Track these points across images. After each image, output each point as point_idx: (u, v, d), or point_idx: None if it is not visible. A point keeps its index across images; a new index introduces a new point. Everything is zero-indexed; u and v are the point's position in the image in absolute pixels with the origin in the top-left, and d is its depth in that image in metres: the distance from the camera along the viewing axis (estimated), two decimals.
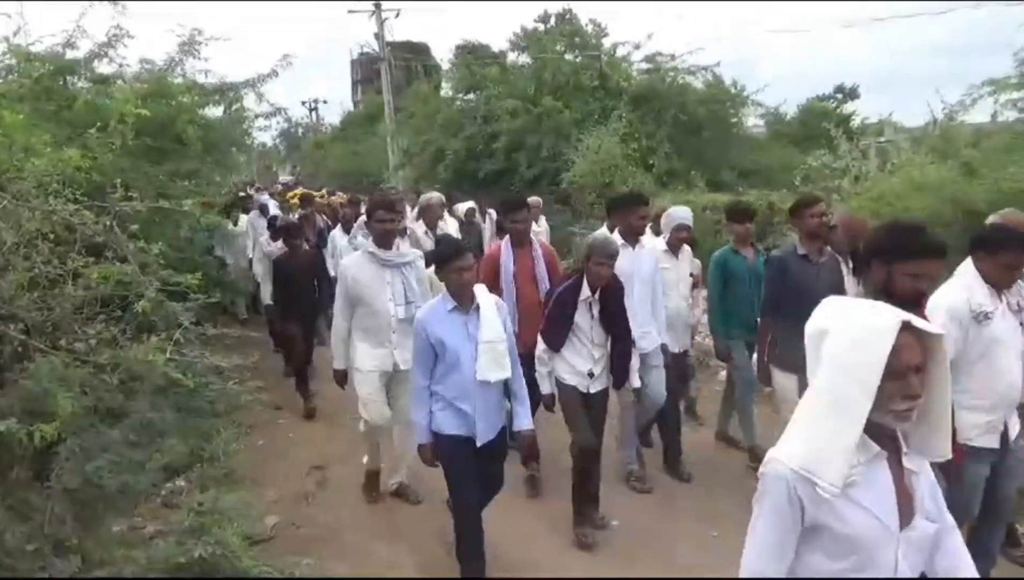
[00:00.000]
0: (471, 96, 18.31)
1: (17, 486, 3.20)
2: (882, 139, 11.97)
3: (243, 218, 10.16)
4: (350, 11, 25.82)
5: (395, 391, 4.77)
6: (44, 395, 2.89)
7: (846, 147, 10.27)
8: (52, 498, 2.97)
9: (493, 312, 3.64)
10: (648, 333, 4.90)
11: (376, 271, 4.54)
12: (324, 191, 17.40)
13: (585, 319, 4.27)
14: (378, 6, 25.44)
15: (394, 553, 4.34)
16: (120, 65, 6.87)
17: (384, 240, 4.54)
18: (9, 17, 6.04)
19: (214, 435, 3.72)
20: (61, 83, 6.55)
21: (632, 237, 4.89)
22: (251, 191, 15.33)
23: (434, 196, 8.01)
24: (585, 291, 4.23)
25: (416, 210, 8.54)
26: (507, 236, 5.21)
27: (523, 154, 15.74)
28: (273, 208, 11.14)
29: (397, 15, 25.81)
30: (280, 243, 7.58)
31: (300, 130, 48.06)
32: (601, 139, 13.98)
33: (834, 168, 10.00)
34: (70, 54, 6.57)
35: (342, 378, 4.83)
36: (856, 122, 17.81)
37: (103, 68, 6.84)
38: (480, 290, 3.64)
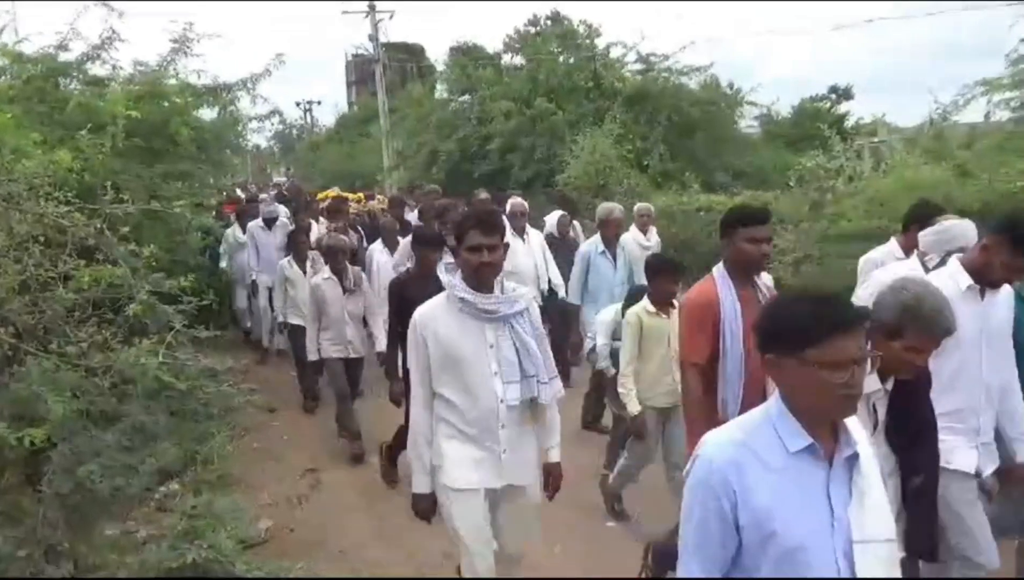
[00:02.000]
0: (465, 97, 18.35)
1: (8, 490, 3.19)
2: (876, 140, 12.03)
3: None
4: (344, 12, 25.82)
5: (502, 517, 3.01)
6: (35, 399, 2.87)
7: (840, 147, 10.32)
8: (44, 502, 2.95)
9: (874, 464, 1.74)
10: (991, 444, 2.93)
11: (471, 328, 2.83)
12: (361, 194, 13.73)
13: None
14: (372, 7, 25.43)
15: (390, 556, 4.32)
16: (113, 67, 6.86)
17: (482, 278, 2.80)
18: None
19: (208, 438, 3.70)
20: (53, 85, 6.52)
21: (988, 280, 2.88)
22: (256, 193, 13.94)
23: (616, 208, 6.21)
24: (872, 381, 2.37)
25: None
26: (720, 265, 3.16)
27: (517, 155, 15.78)
28: (283, 215, 9.09)
29: (391, 16, 25.83)
30: (327, 272, 5.84)
31: (295, 131, 47.98)
32: (595, 140, 14.00)
33: (828, 168, 10.04)
34: (63, 56, 6.55)
35: (430, 507, 2.99)
36: (850, 123, 17.88)
37: (96, 70, 6.83)
38: (854, 420, 1.72)
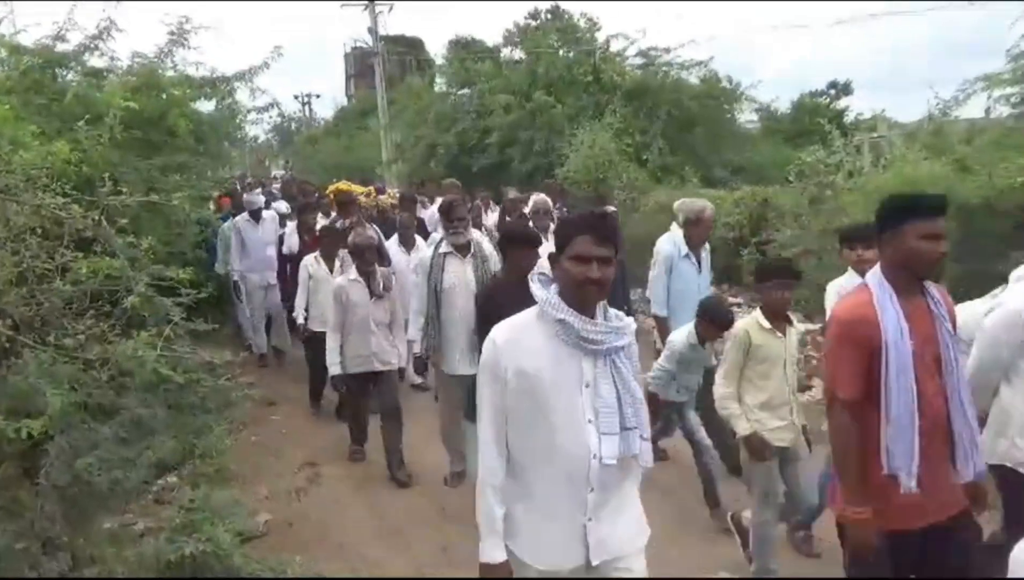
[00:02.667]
0: (465, 91, 18.31)
1: (6, 484, 3.18)
2: (875, 135, 12.00)
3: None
4: (343, 5, 25.72)
5: None
6: (33, 391, 2.86)
7: (840, 143, 10.30)
8: (41, 496, 2.94)
9: None
10: None
11: (565, 359, 2.21)
12: (372, 188, 12.05)
13: None
14: (371, 0, 25.33)
15: (387, 550, 4.33)
16: (111, 59, 6.83)
17: (586, 298, 2.20)
18: None
19: (206, 431, 3.69)
20: (50, 76, 6.50)
21: None
22: (252, 185, 13.00)
23: (709, 205, 5.39)
24: None
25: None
26: (876, 269, 2.52)
27: (516, 149, 15.76)
28: (271, 217, 8.38)
29: (390, 9, 25.75)
30: (354, 273, 5.30)
31: (293, 124, 47.86)
32: (595, 134, 13.98)
33: (828, 164, 10.03)
34: (60, 47, 6.53)
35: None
36: (850, 118, 17.89)
37: (94, 61, 6.80)
38: None
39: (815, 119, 14.02)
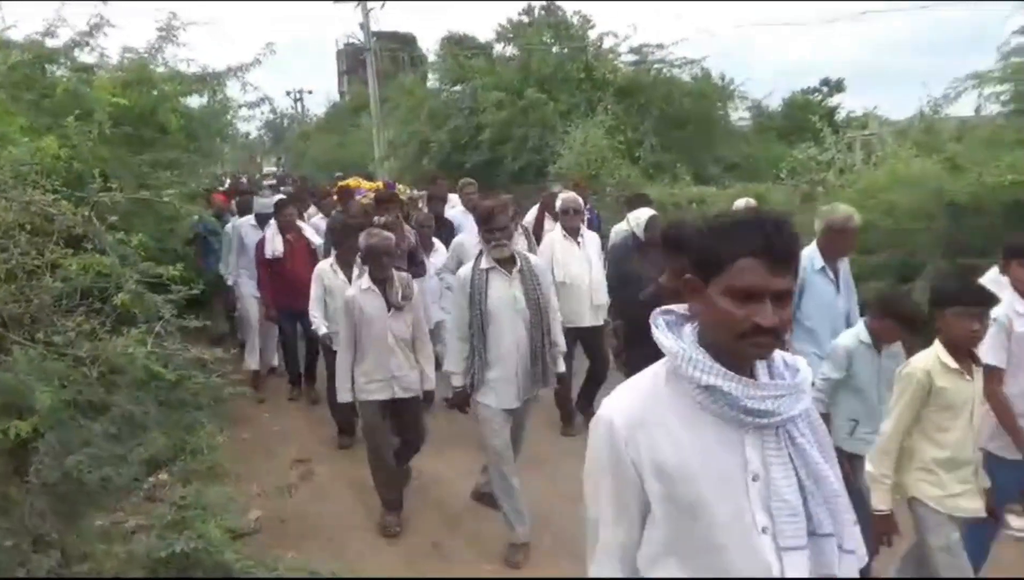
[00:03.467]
0: (457, 88, 18.30)
1: None
2: (866, 132, 12.06)
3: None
4: (337, 1, 25.62)
5: None
6: (23, 389, 2.85)
7: (831, 140, 10.35)
8: (32, 493, 2.93)
9: None
10: None
11: (714, 440, 1.45)
12: (380, 182, 11.31)
13: None
14: None
15: (379, 546, 4.33)
16: (101, 55, 6.81)
17: (749, 351, 1.43)
18: None
19: (197, 428, 3.68)
20: (40, 72, 6.46)
21: None
22: (249, 185, 12.55)
23: (854, 213, 4.43)
24: None
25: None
26: None
27: (509, 146, 15.77)
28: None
29: (383, 6, 25.70)
30: (367, 281, 4.44)
31: (285, 121, 47.73)
32: (587, 131, 14.01)
33: (820, 161, 10.07)
34: (50, 43, 6.49)
35: None
36: (841, 115, 17.97)
37: (84, 57, 6.78)
38: None
39: (807, 116, 14.10)
